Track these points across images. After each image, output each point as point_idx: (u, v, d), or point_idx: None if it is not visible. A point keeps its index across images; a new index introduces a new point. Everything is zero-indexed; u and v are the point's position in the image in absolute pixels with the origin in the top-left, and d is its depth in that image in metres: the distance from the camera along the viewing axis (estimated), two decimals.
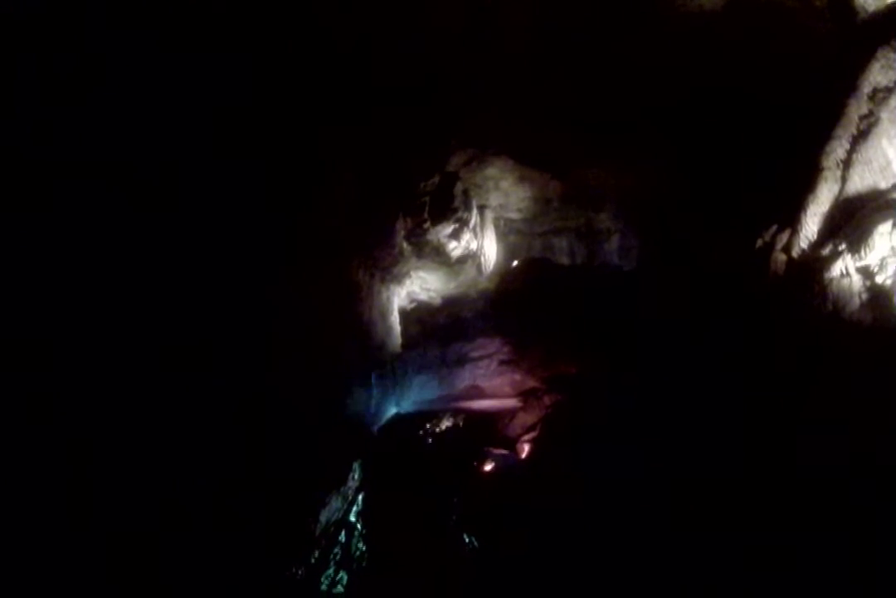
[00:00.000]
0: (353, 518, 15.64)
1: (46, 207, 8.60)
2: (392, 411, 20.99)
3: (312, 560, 13.30)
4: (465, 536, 16.39)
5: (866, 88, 12.90)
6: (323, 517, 14.28)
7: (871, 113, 12.98)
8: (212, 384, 11.49)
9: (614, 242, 25.29)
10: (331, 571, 13.80)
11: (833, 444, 12.22)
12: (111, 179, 9.63)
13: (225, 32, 11.76)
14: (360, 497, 16.29)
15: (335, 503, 15.07)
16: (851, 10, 13.73)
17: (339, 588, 14.02)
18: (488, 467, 20.88)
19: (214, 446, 11.54)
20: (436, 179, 22.17)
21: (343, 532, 15.00)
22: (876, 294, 12.78)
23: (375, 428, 18.63)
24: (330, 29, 13.95)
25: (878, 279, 12.69)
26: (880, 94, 12.78)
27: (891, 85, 12.62)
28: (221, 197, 12.21)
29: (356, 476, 16.52)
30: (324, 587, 13.36)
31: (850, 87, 13.08)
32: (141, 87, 10.05)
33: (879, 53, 12.69)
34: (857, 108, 13.15)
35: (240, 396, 12.14)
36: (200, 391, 11.33)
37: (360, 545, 15.25)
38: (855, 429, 11.97)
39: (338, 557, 14.27)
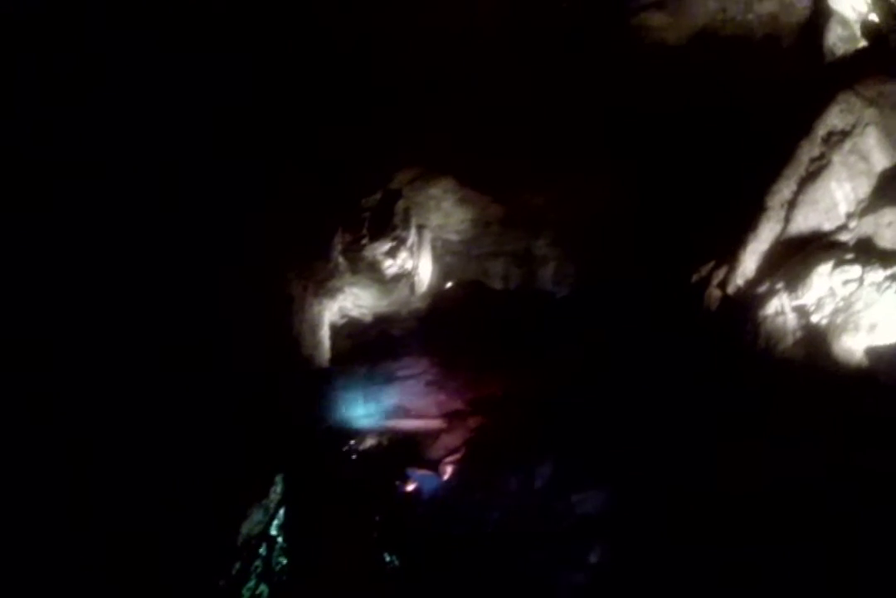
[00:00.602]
0: (274, 532, 15.26)
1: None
2: (316, 426, 20.65)
3: (233, 572, 12.97)
4: (385, 554, 16.15)
5: (821, 131, 13.20)
6: (244, 529, 13.95)
7: (822, 156, 13.26)
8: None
9: (550, 269, 25.50)
10: (252, 583, 13.44)
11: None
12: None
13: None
14: (281, 511, 15.91)
15: (256, 516, 14.74)
16: (819, 52, 14.11)
17: None
18: (411, 487, 20.63)
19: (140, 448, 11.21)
20: (378, 196, 22.15)
21: (264, 545, 14.62)
22: (810, 333, 12.89)
23: (299, 442, 18.27)
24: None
25: (814, 318, 12.80)
26: (835, 138, 13.09)
27: (847, 129, 12.92)
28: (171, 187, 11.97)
29: (278, 490, 16.16)
30: None
31: (805, 128, 13.37)
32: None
33: (840, 97, 13.01)
34: (809, 150, 13.43)
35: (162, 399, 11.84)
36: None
37: (282, 558, 14.86)
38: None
39: (258, 570, 13.90)
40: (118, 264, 10.41)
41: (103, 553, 9.83)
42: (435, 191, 23.18)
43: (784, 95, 14.53)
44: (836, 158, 13.05)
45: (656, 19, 14.65)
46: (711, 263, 16.60)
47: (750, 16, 14.43)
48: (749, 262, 15.01)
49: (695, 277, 17.07)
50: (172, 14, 9.86)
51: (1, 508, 8.02)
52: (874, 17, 13.24)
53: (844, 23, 13.77)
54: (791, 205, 13.87)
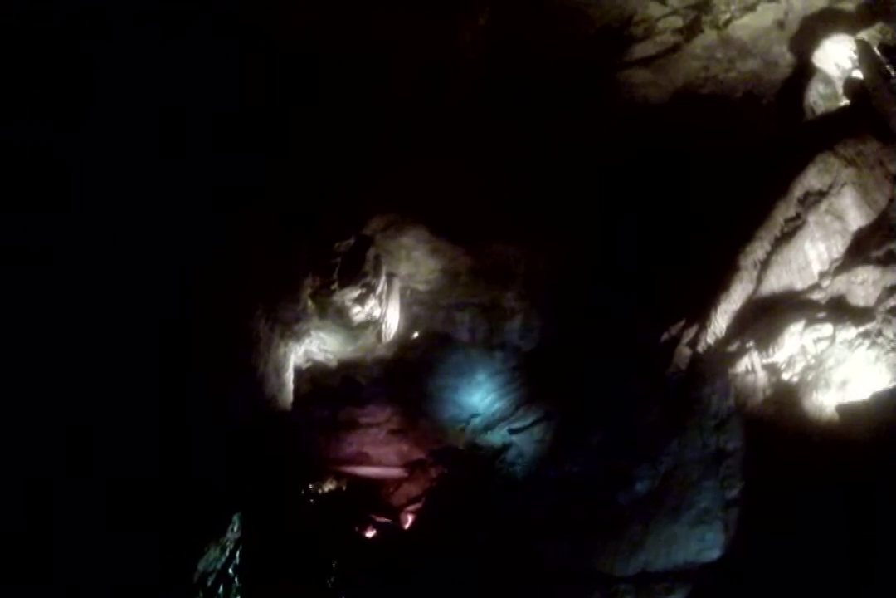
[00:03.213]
0: (230, 571, 14.89)
1: None
2: (275, 466, 20.35)
3: None
4: None
5: (798, 192, 13.42)
6: (200, 566, 13.60)
7: (798, 216, 13.48)
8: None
9: (517, 322, 25.61)
10: None
11: None
12: None
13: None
14: (238, 551, 15.56)
15: (213, 553, 14.38)
16: (800, 111, 14.39)
17: None
18: (370, 533, 20.40)
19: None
20: (350, 241, 22.21)
21: (220, 584, 14.24)
22: (780, 390, 13.01)
23: (257, 483, 17.96)
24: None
25: (785, 376, 12.91)
26: (811, 198, 13.30)
27: (824, 189, 13.13)
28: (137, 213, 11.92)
29: (235, 528, 15.81)
30: None
31: (782, 189, 13.57)
32: None
33: (819, 157, 13.24)
34: (785, 210, 13.63)
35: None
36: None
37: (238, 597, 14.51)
38: None
39: None
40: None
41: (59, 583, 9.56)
42: (407, 240, 23.33)
43: (763, 155, 14.80)
44: (812, 218, 13.26)
45: (640, 76, 14.98)
46: (682, 322, 16.75)
47: (732, 74, 14.77)
48: (720, 321, 15.11)
49: (665, 336, 17.20)
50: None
51: None
52: (858, 74, 13.51)
53: (827, 80, 14.07)
54: (764, 265, 14.02)
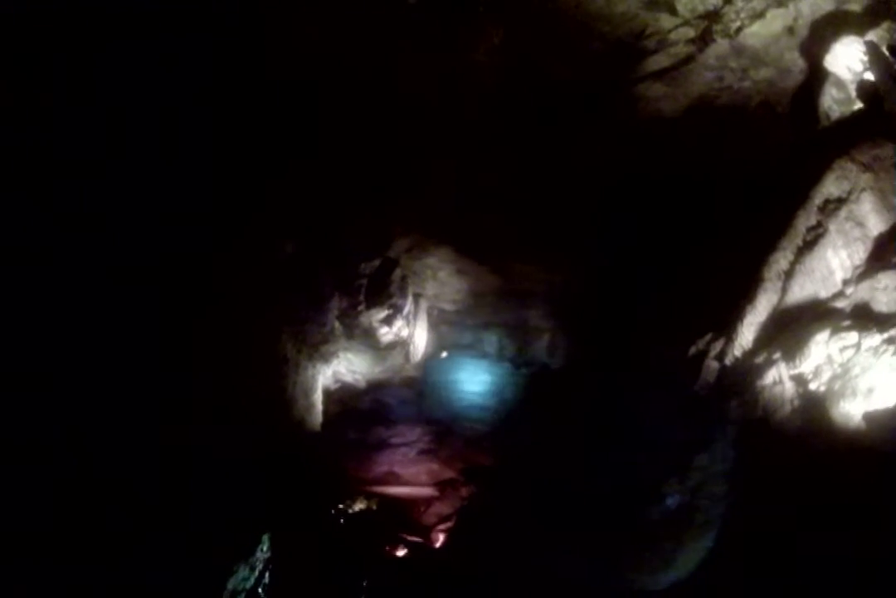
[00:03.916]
0: (260, 591, 14.95)
1: None
2: (305, 488, 20.44)
3: None
4: None
5: (818, 199, 13.32)
6: (230, 585, 13.69)
7: (819, 224, 13.35)
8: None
9: (544, 340, 25.61)
10: None
11: None
12: None
13: None
14: (267, 571, 15.62)
15: (242, 573, 14.46)
16: (814, 117, 14.27)
17: None
18: (400, 553, 20.39)
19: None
20: (376, 263, 22.37)
21: None
22: (808, 401, 12.85)
23: (286, 503, 18.05)
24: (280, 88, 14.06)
25: (812, 386, 12.73)
26: (831, 206, 13.17)
27: (843, 196, 13.00)
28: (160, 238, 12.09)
29: (265, 548, 15.89)
30: None
31: (802, 197, 13.46)
32: None
33: (836, 164, 13.12)
34: (805, 219, 13.51)
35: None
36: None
37: None
38: None
39: None
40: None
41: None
42: (432, 260, 23.41)
43: (781, 164, 14.70)
44: (833, 226, 13.13)
45: (654, 90, 14.97)
46: (709, 336, 16.66)
47: (746, 83, 14.67)
48: (747, 333, 14.98)
49: (692, 350, 17.10)
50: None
51: None
52: (870, 76, 13.40)
53: (840, 84, 13.92)
54: (788, 275, 13.88)
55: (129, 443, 11.40)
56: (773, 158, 14.84)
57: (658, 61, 14.37)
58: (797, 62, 14.35)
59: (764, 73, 14.45)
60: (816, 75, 14.32)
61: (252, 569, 14.98)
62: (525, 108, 15.59)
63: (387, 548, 20.37)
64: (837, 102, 14.05)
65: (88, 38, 8.37)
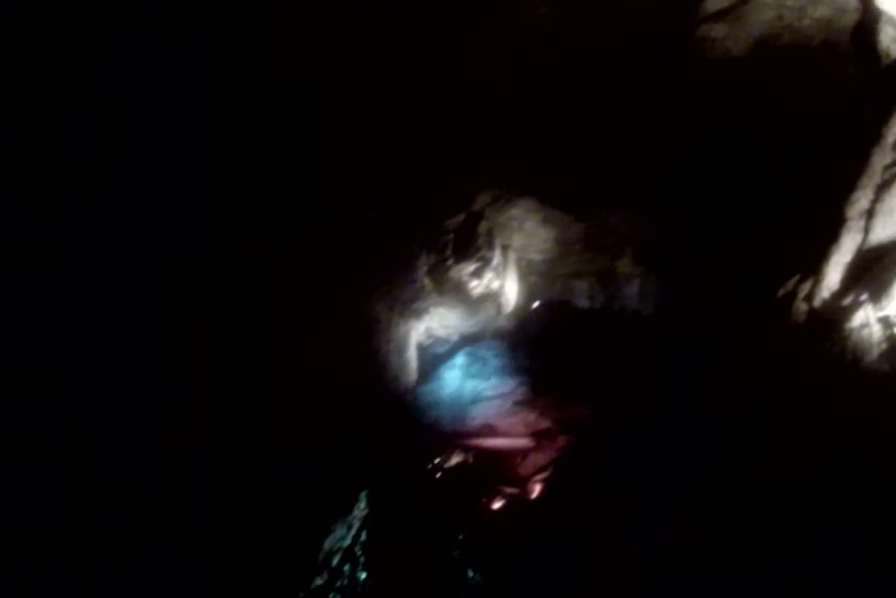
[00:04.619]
0: (356, 548, 15.52)
1: None
2: (402, 444, 20.95)
3: (313, 587, 13.22)
4: (468, 572, 16.23)
5: (891, 138, 12.84)
6: (326, 545, 14.22)
7: (894, 162, 12.94)
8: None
9: (634, 287, 25.31)
10: None
11: None
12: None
13: None
14: (364, 528, 16.18)
15: (339, 531, 15.01)
16: (875, 56, 13.73)
17: None
18: (497, 505, 20.74)
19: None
20: (461, 218, 22.41)
21: (346, 561, 14.87)
22: (894, 344, 12.60)
23: (384, 459, 18.57)
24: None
25: None
26: None
27: None
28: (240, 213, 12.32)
29: (362, 506, 16.44)
30: None
31: (874, 136, 13.04)
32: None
33: None
34: (881, 157, 13.06)
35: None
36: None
37: (362, 575, 15.10)
38: None
39: (338, 585, 14.13)
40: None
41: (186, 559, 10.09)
42: (517, 211, 23.30)
43: (850, 103, 14.22)
44: None
45: (717, 30, 14.52)
46: (797, 277, 16.32)
47: (806, 21, 14.08)
48: (833, 274, 14.71)
49: (781, 292, 16.77)
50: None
51: None
52: None
53: (894, 23, 13.38)
54: (869, 214, 13.52)
55: (219, 401, 11.68)
56: (843, 97, 14.33)
57: (717, 2, 13.93)
58: (850, 1, 13.70)
59: (821, 12, 13.87)
60: (869, 14, 13.72)
61: (349, 528, 15.52)
62: (591, 60, 15.29)
63: (483, 500, 20.74)
64: (894, 40, 13.41)
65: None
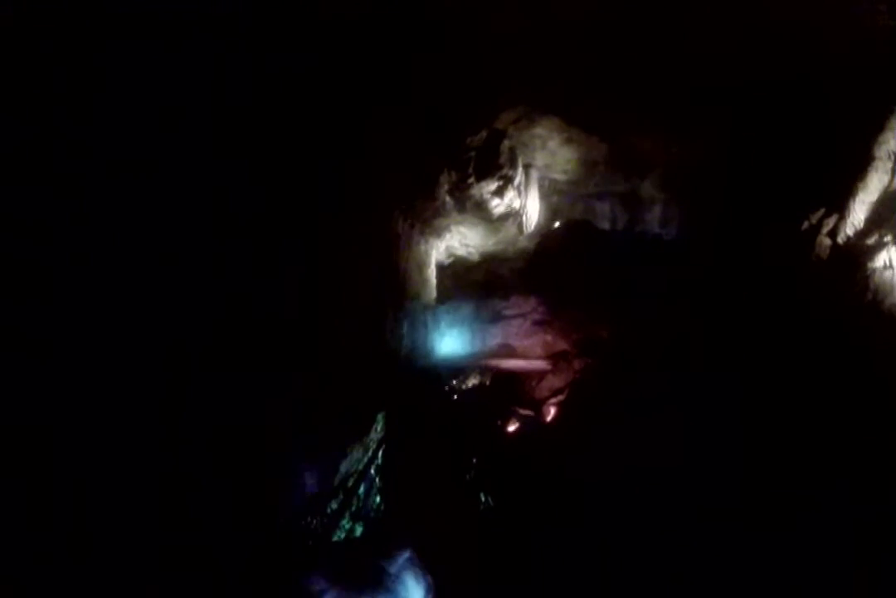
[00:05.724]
0: (372, 471, 15.80)
1: None
2: (420, 364, 21.13)
3: (329, 511, 13.48)
4: (481, 494, 16.51)
5: None
6: (343, 468, 14.40)
7: None
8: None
9: (656, 211, 25.17)
10: (346, 522, 13.97)
11: None
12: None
13: None
14: (380, 450, 16.43)
15: (356, 454, 15.22)
16: None
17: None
18: (512, 427, 20.97)
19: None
20: (483, 135, 22.01)
21: (361, 485, 15.16)
22: None
23: (402, 381, 18.74)
24: None
25: None
26: None
27: None
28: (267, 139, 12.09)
29: (379, 428, 16.65)
30: (337, 537, 13.52)
31: None
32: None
33: None
34: None
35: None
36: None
37: (377, 497, 15.43)
38: None
39: (353, 509, 14.44)
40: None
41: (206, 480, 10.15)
42: (540, 130, 22.89)
43: (880, 47, 13.85)
44: None
45: None
46: (821, 211, 16.11)
47: None
48: (859, 212, 14.71)
49: (805, 225, 16.59)
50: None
51: None
52: None
53: None
54: None
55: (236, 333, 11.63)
56: (874, 40, 13.88)
57: None
58: None
59: None
60: None
61: (366, 450, 15.77)
62: None
63: (498, 423, 20.96)
64: None
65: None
